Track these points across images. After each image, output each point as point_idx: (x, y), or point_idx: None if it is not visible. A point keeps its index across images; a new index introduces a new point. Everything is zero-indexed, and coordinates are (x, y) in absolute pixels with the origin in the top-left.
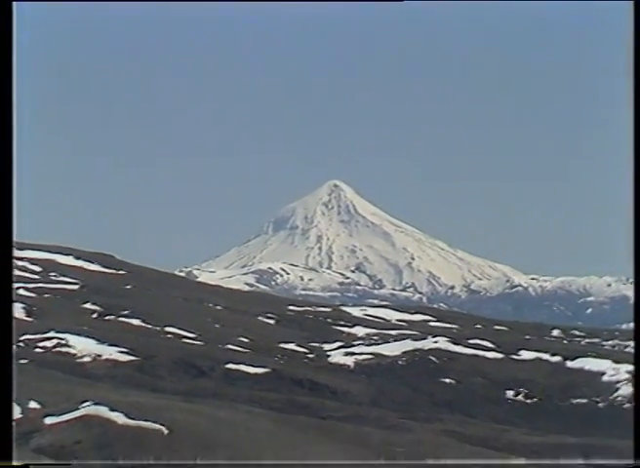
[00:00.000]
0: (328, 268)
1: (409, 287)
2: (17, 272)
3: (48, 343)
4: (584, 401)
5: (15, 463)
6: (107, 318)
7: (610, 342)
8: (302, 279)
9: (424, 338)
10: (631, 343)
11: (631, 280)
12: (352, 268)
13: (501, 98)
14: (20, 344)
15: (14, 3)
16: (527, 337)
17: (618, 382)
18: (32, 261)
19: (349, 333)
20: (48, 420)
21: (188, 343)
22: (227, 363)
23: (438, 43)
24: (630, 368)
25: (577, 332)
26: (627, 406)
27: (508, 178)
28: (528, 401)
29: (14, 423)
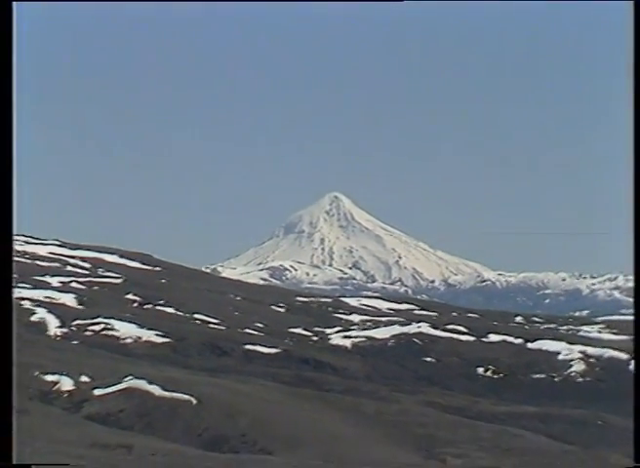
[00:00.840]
0: (329, 266)
1: (396, 281)
2: (69, 268)
3: (96, 327)
4: (543, 376)
5: (15, 463)
6: (146, 307)
7: (564, 327)
8: (308, 274)
9: (409, 324)
10: (583, 327)
11: (583, 275)
12: (349, 266)
13: (493, 102)
14: (73, 328)
15: (14, 3)
16: (494, 323)
17: (571, 360)
18: (83, 259)
19: (347, 320)
20: (96, 392)
21: (213, 328)
22: (245, 344)
23: (438, 43)
24: (582, 348)
25: (536, 319)
26: (579, 380)
27: (482, 183)
28: (495, 376)
29: (67, 394)
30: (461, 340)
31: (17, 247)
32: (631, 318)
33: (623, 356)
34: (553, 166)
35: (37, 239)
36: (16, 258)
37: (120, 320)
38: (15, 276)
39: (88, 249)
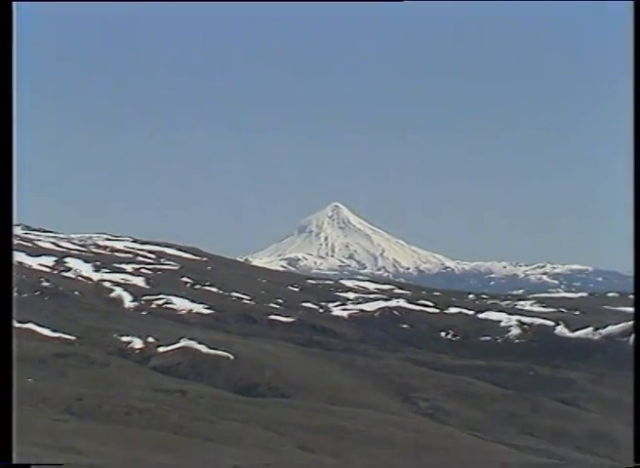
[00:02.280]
0: (331, 256)
1: (381, 268)
2: (139, 258)
3: (159, 302)
4: (489, 338)
5: (15, 463)
6: (196, 287)
7: (505, 302)
8: (315, 263)
9: (390, 300)
10: (518, 302)
11: (519, 263)
12: (346, 257)
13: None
14: (142, 302)
15: (14, 3)
16: (453, 299)
17: (510, 327)
18: (149, 252)
19: (344, 297)
20: (160, 349)
21: (246, 303)
22: (269, 315)
23: (438, 45)
24: (518, 317)
25: (484, 296)
26: (516, 341)
27: (451, 190)
28: (454, 338)
29: (138, 351)
30: (429, 312)
31: (99, 242)
32: (555, 295)
33: (549, 323)
34: (514, 175)
35: (115, 236)
36: (98, 251)
37: (177, 296)
38: (97, 263)
39: (153, 244)
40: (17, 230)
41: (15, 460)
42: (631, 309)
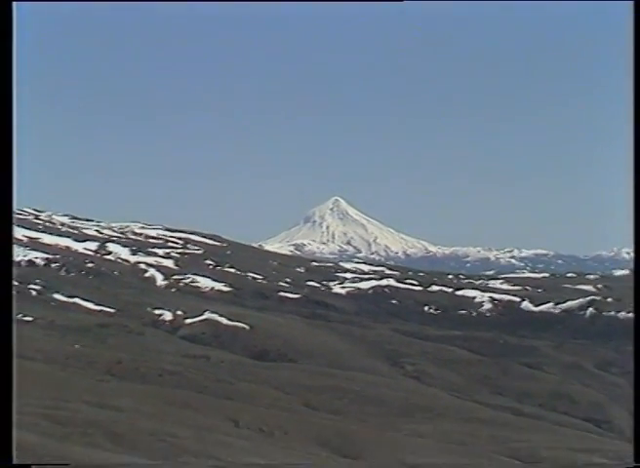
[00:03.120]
0: (332, 243)
1: (374, 253)
2: (170, 243)
3: (186, 281)
4: (465, 312)
5: (15, 463)
6: (217, 268)
7: (479, 282)
8: (318, 248)
9: (382, 279)
10: (490, 282)
11: (490, 248)
12: (344, 243)
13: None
14: (172, 281)
15: (14, 3)
16: (435, 279)
17: (483, 302)
18: (178, 238)
19: (343, 277)
20: (187, 321)
21: (259, 282)
22: (279, 292)
23: (438, 44)
24: (490, 294)
25: (461, 277)
26: (488, 314)
27: (435, 179)
28: (435, 312)
29: (168, 322)
30: (414, 290)
31: (135, 230)
32: (521, 275)
33: (516, 299)
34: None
35: (148, 225)
36: (134, 237)
37: (201, 276)
38: (134, 248)
39: (180, 231)
40: (65, 219)
41: (14, 461)
42: (586, 287)
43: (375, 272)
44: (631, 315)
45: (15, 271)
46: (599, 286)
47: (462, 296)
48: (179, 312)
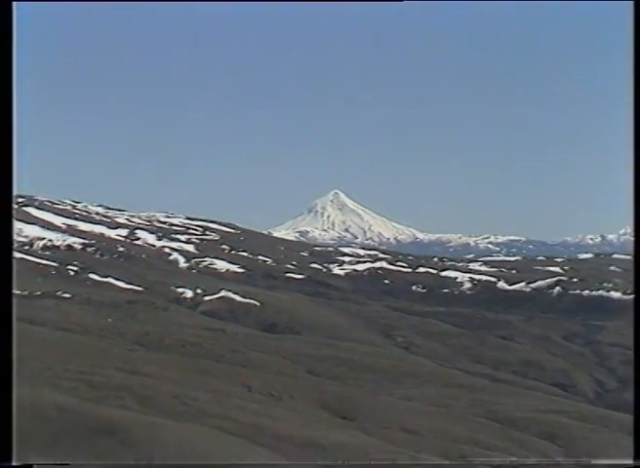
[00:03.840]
0: (332, 230)
1: (369, 239)
2: (191, 230)
3: (205, 263)
4: (448, 290)
5: (15, 463)
6: (232, 252)
7: (460, 264)
8: (320, 235)
9: (375, 262)
10: (470, 264)
11: (470, 234)
12: (343, 230)
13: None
14: (192, 263)
15: (14, 3)
16: (422, 261)
17: (463, 282)
18: (197, 226)
19: (342, 260)
20: (205, 298)
21: (269, 264)
22: (286, 273)
23: (437, 43)
24: (469, 275)
25: (444, 260)
26: (468, 292)
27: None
28: (422, 291)
29: (189, 299)
30: (404, 271)
31: (160, 218)
32: (497, 258)
33: (492, 279)
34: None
35: (171, 214)
36: (160, 225)
37: (218, 259)
38: (159, 234)
39: (200, 220)
40: (99, 209)
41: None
42: (554, 268)
43: (369, 256)
44: (594, 293)
45: (55, 254)
46: (565, 267)
47: (446, 277)
48: (198, 290)
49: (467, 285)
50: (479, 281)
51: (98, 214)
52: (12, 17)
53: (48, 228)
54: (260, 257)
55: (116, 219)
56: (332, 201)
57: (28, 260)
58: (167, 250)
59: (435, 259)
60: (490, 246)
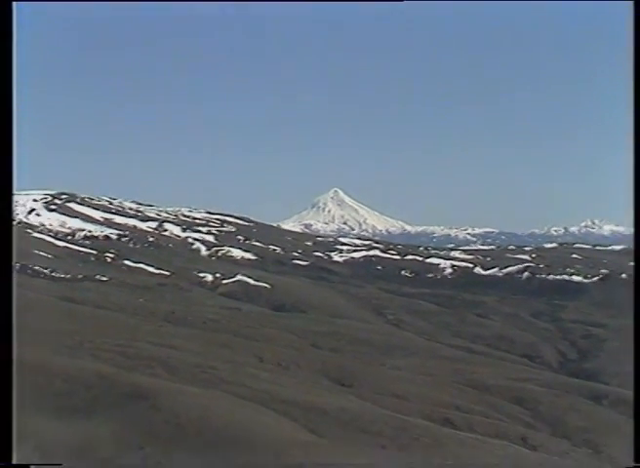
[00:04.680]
0: (332, 223)
1: (364, 231)
2: (211, 223)
3: (223, 251)
4: (432, 275)
5: (15, 463)
6: (246, 242)
7: (442, 252)
8: (322, 227)
9: (370, 250)
10: (451, 252)
11: (450, 227)
12: (342, 223)
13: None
14: (212, 252)
15: (14, 3)
16: (409, 250)
17: (445, 268)
18: (216, 219)
19: (340, 248)
20: (223, 281)
21: (278, 252)
22: (293, 260)
23: (433, 43)
24: (450, 262)
25: (429, 249)
26: (449, 277)
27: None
28: (410, 275)
29: (210, 283)
30: (394, 258)
31: (184, 212)
32: (474, 247)
33: (470, 265)
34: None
35: (194, 209)
36: (184, 218)
37: (234, 248)
38: (184, 226)
39: (219, 214)
40: (132, 205)
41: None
42: (523, 256)
43: (364, 245)
44: (558, 277)
45: (94, 243)
46: (533, 255)
47: (430, 263)
48: (217, 275)
49: (449, 270)
50: (459, 267)
51: (131, 208)
52: (12, 17)
53: (88, 221)
54: (270, 247)
55: (147, 213)
56: (332, 198)
57: (71, 248)
58: (190, 240)
59: (421, 248)
60: (468, 236)
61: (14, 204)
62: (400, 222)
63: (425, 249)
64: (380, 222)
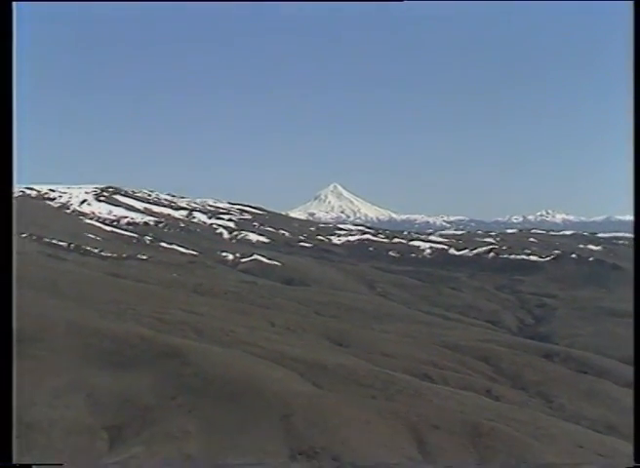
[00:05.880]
0: (332, 212)
1: (358, 218)
2: (232, 211)
3: (242, 235)
4: (414, 255)
5: (15, 463)
6: (261, 227)
7: (422, 236)
8: (323, 215)
9: (363, 235)
10: (430, 236)
11: (430, 215)
12: (340, 212)
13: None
14: (233, 235)
15: (14, 3)
16: (396, 235)
17: (425, 249)
18: (237, 208)
19: (339, 233)
20: (242, 260)
21: (287, 236)
22: (299, 242)
23: (437, 42)
24: (429, 244)
25: (412, 233)
26: (428, 257)
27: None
28: (396, 255)
29: (230, 261)
30: (383, 241)
31: (210, 202)
32: (449, 232)
33: (445, 247)
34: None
35: (217, 199)
36: (209, 208)
37: (251, 232)
38: (209, 214)
39: (238, 204)
40: (167, 196)
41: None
42: (489, 239)
43: (358, 230)
44: (518, 257)
45: (136, 229)
46: (497, 239)
47: (413, 246)
48: (237, 254)
49: (428, 251)
50: (436, 248)
51: (165, 199)
52: (12, 17)
53: (130, 210)
54: (280, 231)
55: (179, 204)
56: (332, 191)
57: (116, 232)
58: (214, 226)
59: (405, 233)
60: (444, 223)
61: (69, 196)
62: (388, 211)
63: (409, 233)
64: (371, 211)
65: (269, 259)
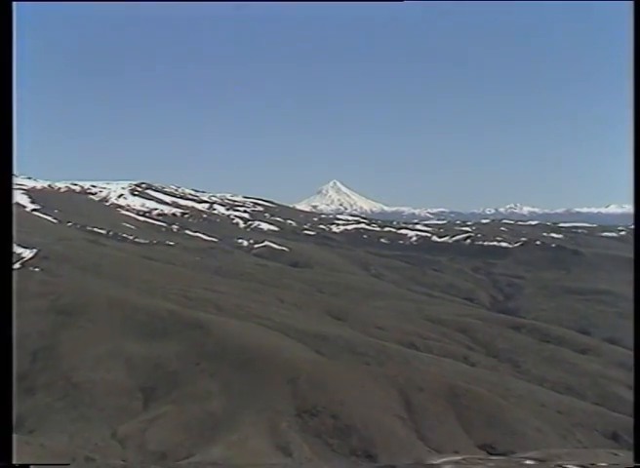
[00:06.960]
0: (332, 204)
1: (354, 210)
2: (247, 204)
3: (255, 225)
4: (402, 242)
5: (15, 463)
6: (272, 218)
7: (409, 225)
8: (325, 207)
9: (358, 224)
10: (416, 226)
11: (416, 207)
12: (339, 205)
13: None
14: (247, 224)
15: (14, 3)
16: (386, 224)
17: (411, 236)
18: (250, 201)
19: (338, 223)
20: (255, 246)
21: (294, 226)
22: (304, 231)
23: (437, 42)
24: (414, 232)
25: (400, 222)
26: (415, 243)
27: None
28: (386, 242)
29: (245, 247)
30: (376, 230)
31: (227, 196)
32: (432, 222)
33: (429, 234)
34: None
35: (234, 194)
36: (227, 201)
37: (262, 222)
38: (226, 207)
39: (252, 198)
40: (191, 191)
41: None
42: (466, 228)
43: (355, 220)
44: (491, 243)
45: (164, 219)
46: (473, 228)
47: (400, 233)
48: (251, 241)
49: (414, 238)
50: (421, 236)
51: (190, 194)
52: (12, 17)
53: (160, 203)
54: (288, 221)
55: (201, 197)
56: (332, 187)
57: (148, 222)
58: (232, 216)
59: (394, 222)
60: (428, 214)
61: (108, 191)
62: (380, 204)
63: (397, 223)
64: (366, 204)
65: (279, 245)
